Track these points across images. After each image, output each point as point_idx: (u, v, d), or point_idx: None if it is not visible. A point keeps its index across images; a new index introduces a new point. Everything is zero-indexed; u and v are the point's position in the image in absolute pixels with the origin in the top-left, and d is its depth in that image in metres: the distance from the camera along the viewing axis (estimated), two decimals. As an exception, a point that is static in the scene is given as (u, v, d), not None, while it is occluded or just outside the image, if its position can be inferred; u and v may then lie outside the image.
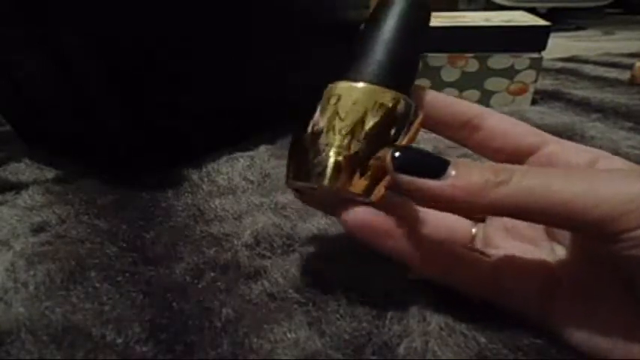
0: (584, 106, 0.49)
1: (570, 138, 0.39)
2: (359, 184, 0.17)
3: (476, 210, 0.15)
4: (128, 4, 0.27)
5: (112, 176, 0.34)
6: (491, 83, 0.49)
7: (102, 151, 0.35)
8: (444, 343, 0.17)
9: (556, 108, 0.49)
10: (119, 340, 0.18)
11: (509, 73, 0.48)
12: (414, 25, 0.18)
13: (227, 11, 0.34)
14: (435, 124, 0.19)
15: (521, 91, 0.49)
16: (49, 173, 0.36)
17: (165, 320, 0.19)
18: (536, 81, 0.48)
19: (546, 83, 0.60)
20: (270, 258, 0.24)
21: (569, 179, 0.13)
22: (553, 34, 0.48)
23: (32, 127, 0.40)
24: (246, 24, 0.36)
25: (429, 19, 0.19)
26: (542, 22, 0.47)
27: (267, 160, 0.36)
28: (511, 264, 0.19)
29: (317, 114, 0.17)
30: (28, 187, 0.33)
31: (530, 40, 0.46)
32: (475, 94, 0.49)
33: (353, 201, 0.17)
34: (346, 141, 0.16)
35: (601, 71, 0.66)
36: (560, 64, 0.72)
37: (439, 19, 0.51)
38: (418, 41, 0.19)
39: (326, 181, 0.16)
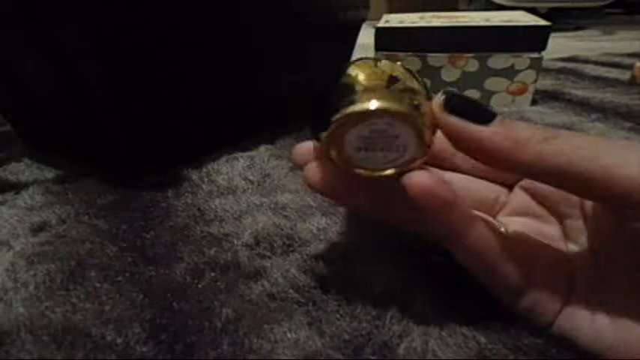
0: (584, 106, 0.49)
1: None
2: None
3: (518, 163, 0.14)
4: (128, 4, 0.27)
5: (112, 176, 0.34)
6: (491, 83, 0.49)
7: (102, 151, 0.35)
8: (444, 343, 0.17)
9: (556, 108, 0.49)
10: (119, 340, 0.18)
11: (510, 73, 0.48)
12: None
13: (227, 11, 0.34)
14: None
15: (522, 91, 0.49)
16: (49, 173, 0.36)
17: (165, 320, 0.19)
18: (536, 81, 0.48)
19: (546, 83, 0.60)
20: (270, 258, 0.24)
21: (612, 148, 0.13)
22: (553, 34, 0.48)
23: (32, 127, 0.40)
24: (246, 24, 0.36)
25: None
26: (542, 22, 0.47)
27: (267, 160, 0.36)
28: (529, 253, 0.18)
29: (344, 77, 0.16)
30: (28, 187, 0.33)
31: (530, 40, 0.46)
32: (475, 94, 0.49)
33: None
34: (386, 91, 0.15)
35: (601, 71, 0.66)
36: (560, 64, 0.72)
37: (439, 19, 0.51)
38: None
39: (378, 105, 0.14)
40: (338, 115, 0.14)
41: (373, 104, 0.14)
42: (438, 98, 0.15)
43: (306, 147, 0.19)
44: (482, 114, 0.15)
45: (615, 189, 0.13)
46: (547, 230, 0.20)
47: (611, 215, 0.15)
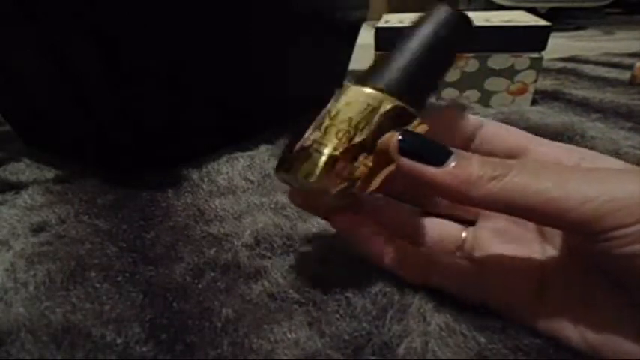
0: (584, 106, 0.49)
1: (570, 138, 0.39)
2: (341, 183, 0.17)
3: (471, 201, 0.15)
4: (128, 4, 0.27)
5: (112, 176, 0.34)
6: (491, 83, 0.49)
7: (102, 151, 0.35)
8: (444, 343, 0.17)
9: (556, 108, 0.49)
10: (119, 340, 0.18)
11: (510, 73, 0.48)
12: (443, 40, 0.18)
13: (227, 11, 0.34)
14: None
15: (522, 91, 0.49)
16: (49, 173, 0.36)
17: (165, 320, 0.19)
18: (536, 81, 0.48)
19: (546, 83, 0.60)
20: (270, 258, 0.24)
21: (560, 178, 0.14)
22: (553, 34, 0.48)
23: (32, 127, 0.40)
24: (246, 24, 0.36)
25: (464, 38, 0.19)
26: (542, 22, 0.47)
27: (267, 160, 0.36)
28: (498, 264, 0.19)
29: (322, 113, 0.18)
30: (28, 187, 0.33)
31: (530, 40, 0.46)
32: (475, 94, 0.49)
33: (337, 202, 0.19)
34: (338, 142, 0.17)
35: (601, 71, 0.66)
36: (560, 64, 0.72)
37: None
38: (443, 56, 0.19)
39: (313, 178, 0.17)
40: (294, 179, 0.18)
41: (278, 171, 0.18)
42: (394, 140, 0.16)
43: None
44: (436, 155, 0.16)
45: (564, 220, 0.14)
46: (523, 233, 0.20)
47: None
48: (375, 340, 0.18)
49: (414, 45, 0.18)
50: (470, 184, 0.15)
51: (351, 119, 0.17)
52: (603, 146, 0.36)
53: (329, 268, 0.22)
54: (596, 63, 0.72)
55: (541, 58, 0.47)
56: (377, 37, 0.50)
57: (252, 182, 0.33)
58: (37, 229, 0.27)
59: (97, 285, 0.22)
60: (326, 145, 0.17)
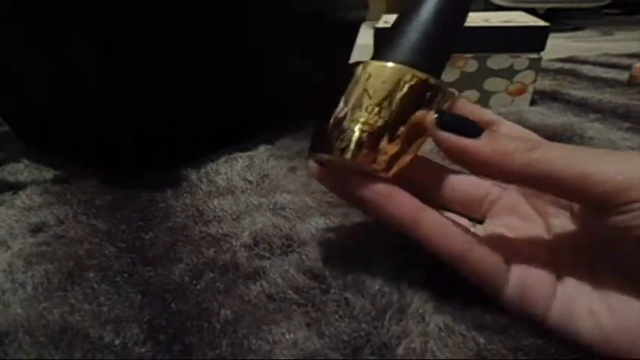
0: (582, 106, 0.49)
1: (569, 138, 0.39)
2: (380, 160, 0.18)
3: (509, 170, 0.16)
4: (128, 4, 0.27)
5: (111, 176, 0.34)
6: (490, 84, 0.49)
7: (101, 151, 0.35)
8: (443, 344, 0.17)
9: (555, 108, 0.49)
10: (117, 341, 0.18)
11: (509, 73, 0.48)
12: (450, 12, 0.19)
13: (227, 11, 0.33)
14: None
15: (520, 92, 0.49)
16: (48, 173, 0.36)
17: (164, 321, 0.19)
18: (535, 81, 0.48)
19: (545, 84, 0.60)
20: (269, 259, 0.24)
21: (588, 156, 0.15)
22: (552, 35, 0.48)
23: (31, 128, 0.40)
24: (246, 24, 0.36)
25: (465, 10, 0.20)
26: (541, 22, 0.47)
27: (266, 161, 0.36)
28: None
29: (347, 91, 0.18)
30: (26, 187, 0.33)
31: (529, 40, 0.47)
32: (474, 94, 0.49)
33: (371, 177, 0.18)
34: (372, 119, 0.17)
35: (599, 72, 0.66)
36: (558, 65, 0.72)
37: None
38: (452, 28, 0.20)
39: (349, 155, 0.17)
40: (332, 157, 0.18)
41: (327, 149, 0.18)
42: (431, 117, 0.17)
43: None
44: (471, 129, 0.17)
45: (587, 191, 0.15)
46: (530, 228, 0.20)
47: (591, 213, 0.17)
48: (374, 341, 0.18)
49: (424, 16, 0.19)
50: (507, 155, 0.16)
51: (377, 93, 0.17)
52: (602, 146, 0.36)
53: (328, 268, 0.22)
54: (595, 63, 0.72)
55: (540, 59, 0.47)
56: (376, 37, 0.50)
57: (251, 182, 0.33)
58: (35, 230, 0.27)
59: (95, 285, 0.22)
60: (357, 121, 0.17)
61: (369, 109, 0.17)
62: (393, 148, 0.18)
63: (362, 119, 0.17)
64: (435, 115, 0.17)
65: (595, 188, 0.14)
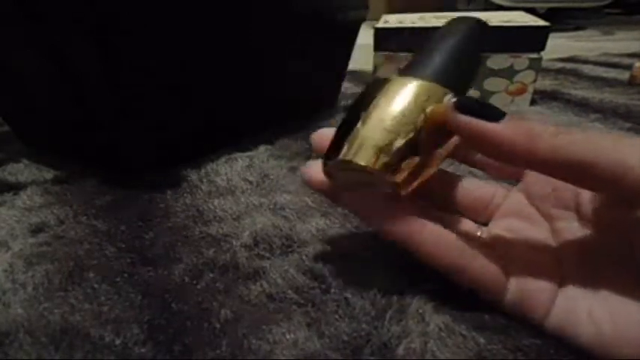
0: (583, 106, 0.49)
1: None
2: (398, 175, 0.17)
3: (534, 154, 0.15)
4: (128, 5, 0.27)
5: (111, 176, 0.34)
6: (490, 83, 0.49)
7: (101, 151, 0.35)
8: (443, 344, 0.17)
9: (555, 108, 0.49)
10: (117, 341, 0.18)
11: (509, 73, 0.48)
12: (475, 42, 0.20)
13: (227, 11, 0.33)
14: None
15: (521, 92, 0.49)
16: (48, 174, 0.36)
17: (164, 321, 0.19)
18: (535, 81, 0.48)
19: (545, 83, 0.60)
20: (269, 259, 0.24)
21: (623, 143, 0.14)
22: (552, 35, 0.48)
23: (31, 128, 0.40)
24: (246, 24, 0.36)
25: (484, 42, 0.22)
26: (541, 22, 0.47)
27: (266, 161, 0.36)
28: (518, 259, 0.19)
29: (372, 104, 0.18)
30: (26, 187, 0.33)
31: (529, 40, 0.47)
32: (474, 94, 0.49)
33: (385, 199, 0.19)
34: (393, 132, 0.17)
35: (600, 71, 0.66)
36: (559, 65, 0.72)
37: (439, 20, 0.51)
38: (476, 56, 0.21)
39: (366, 162, 0.17)
40: (351, 164, 0.18)
41: (348, 155, 0.17)
42: (448, 101, 0.16)
43: (326, 133, 0.20)
44: (492, 112, 0.16)
45: (624, 179, 0.13)
46: (534, 231, 0.20)
47: (616, 206, 0.16)
48: (374, 341, 0.18)
49: (450, 44, 0.19)
50: (533, 137, 0.14)
51: (400, 110, 0.17)
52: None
53: (328, 268, 0.22)
54: (596, 63, 0.72)
55: (540, 59, 0.47)
56: (376, 37, 0.50)
57: (251, 183, 0.33)
58: (36, 230, 0.27)
59: (96, 286, 0.22)
60: (380, 133, 0.17)
61: (391, 122, 0.17)
62: (414, 162, 0.17)
63: (384, 132, 0.17)
64: (454, 99, 0.16)
65: (632, 177, 0.13)
